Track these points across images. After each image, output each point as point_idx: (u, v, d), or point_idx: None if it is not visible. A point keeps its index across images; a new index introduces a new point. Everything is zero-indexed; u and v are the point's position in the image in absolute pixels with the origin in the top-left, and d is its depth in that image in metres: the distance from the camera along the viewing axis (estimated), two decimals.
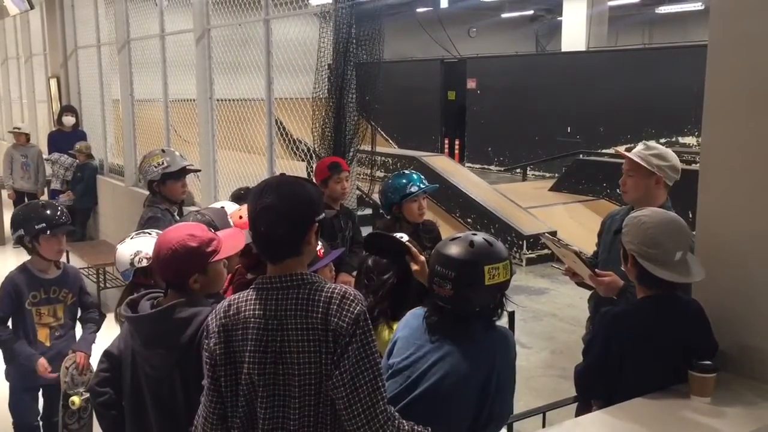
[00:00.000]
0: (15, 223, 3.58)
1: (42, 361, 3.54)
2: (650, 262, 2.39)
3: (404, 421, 1.89)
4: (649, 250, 2.39)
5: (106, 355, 2.45)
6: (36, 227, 3.50)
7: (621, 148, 3.23)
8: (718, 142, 2.66)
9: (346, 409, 1.80)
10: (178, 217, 3.95)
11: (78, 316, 3.79)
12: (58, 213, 3.61)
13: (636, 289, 2.52)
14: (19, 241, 3.59)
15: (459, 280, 2.09)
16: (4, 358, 3.64)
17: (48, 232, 3.52)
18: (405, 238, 2.76)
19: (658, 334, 2.41)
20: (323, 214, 1.95)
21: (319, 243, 2.57)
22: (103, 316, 3.85)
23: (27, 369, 3.56)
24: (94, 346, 3.72)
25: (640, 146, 3.05)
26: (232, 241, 2.34)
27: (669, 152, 3.01)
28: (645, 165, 2.94)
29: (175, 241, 2.21)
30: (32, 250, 3.58)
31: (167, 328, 2.20)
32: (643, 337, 2.40)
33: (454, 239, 2.18)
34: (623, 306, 2.50)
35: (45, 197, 9.44)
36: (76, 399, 3.47)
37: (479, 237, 2.18)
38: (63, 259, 7.65)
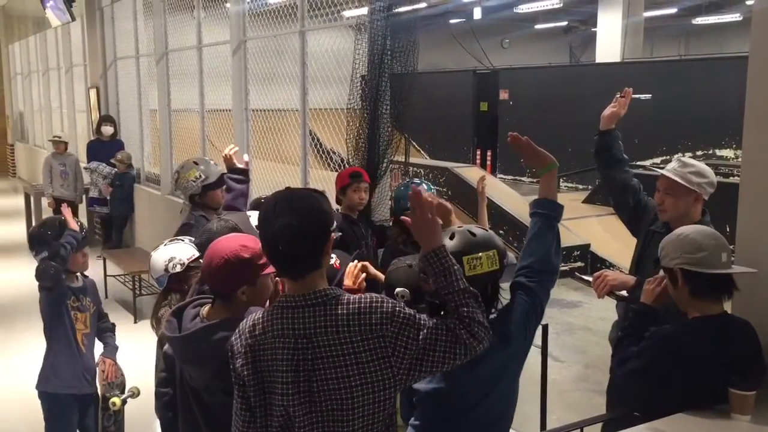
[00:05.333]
0: (36, 244, 3.54)
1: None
2: (700, 267, 2.33)
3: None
4: (695, 255, 2.34)
5: (164, 355, 2.48)
6: (59, 251, 3.49)
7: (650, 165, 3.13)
8: (760, 154, 2.61)
9: (439, 361, 1.83)
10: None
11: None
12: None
13: (688, 310, 2.45)
14: (44, 262, 3.55)
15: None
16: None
17: (72, 249, 3.52)
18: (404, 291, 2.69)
19: (709, 355, 2.35)
20: (335, 224, 1.95)
21: (333, 255, 2.58)
22: (113, 325, 3.92)
23: (69, 379, 3.59)
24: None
25: (675, 163, 2.97)
26: None
27: (705, 167, 2.96)
28: (685, 184, 2.87)
29: (228, 251, 2.20)
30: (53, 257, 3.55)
31: (200, 349, 2.19)
32: (693, 358, 2.35)
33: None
34: (675, 326, 2.43)
35: (83, 206, 9.65)
36: (116, 400, 3.53)
37: (463, 228, 2.15)
38: (100, 266, 7.82)
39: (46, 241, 3.52)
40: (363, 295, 1.87)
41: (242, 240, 2.28)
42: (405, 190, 3.89)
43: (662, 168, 3.06)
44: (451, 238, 2.11)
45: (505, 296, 2.20)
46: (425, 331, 1.82)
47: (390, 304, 1.84)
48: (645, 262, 3.05)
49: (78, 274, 3.72)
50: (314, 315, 1.83)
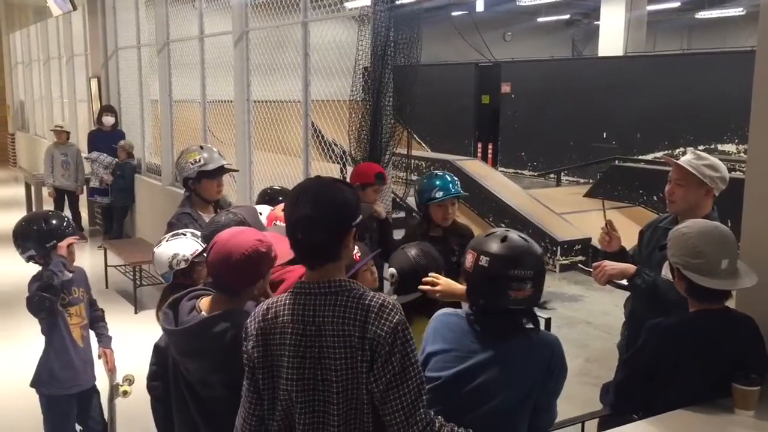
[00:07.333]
0: (22, 241, 3.45)
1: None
2: (696, 273, 2.34)
3: (445, 424, 1.89)
4: (692, 261, 2.35)
5: (155, 348, 2.47)
6: (47, 246, 3.43)
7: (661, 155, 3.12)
8: (766, 150, 2.60)
9: (387, 416, 1.81)
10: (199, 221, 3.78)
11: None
12: (64, 223, 3.55)
13: (688, 302, 2.46)
14: (31, 259, 3.49)
15: (537, 275, 2.07)
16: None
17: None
18: (393, 271, 2.68)
19: (710, 350, 2.35)
20: (360, 218, 1.91)
21: (356, 246, 2.56)
22: (102, 312, 3.86)
23: (68, 380, 3.54)
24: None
25: (690, 155, 2.97)
26: (285, 245, 2.27)
27: (719, 163, 2.94)
28: (698, 175, 2.86)
29: (247, 246, 2.17)
30: (46, 264, 3.46)
31: (200, 341, 2.17)
32: (694, 353, 2.35)
33: (503, 241, 2.07)
34: (675, 319, 2.44)
35: (84, 196, 9.64)
36: (127, 388, 3.57)
37: (512, 232, 2.14)
38: (101, 256, 7.80)
39: (31, 237, 3.45)
40: (379, 295, 1.85)
41: (254, 234, 2.26)
42: (429, 182, 3.79)
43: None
44: (526, 240, 2.09)
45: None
46: (412, 379, 1.80)
47: (399, 317, 1.81)
48: (651, 255, 3.04)
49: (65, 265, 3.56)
50: (325, 303, 1.83)
